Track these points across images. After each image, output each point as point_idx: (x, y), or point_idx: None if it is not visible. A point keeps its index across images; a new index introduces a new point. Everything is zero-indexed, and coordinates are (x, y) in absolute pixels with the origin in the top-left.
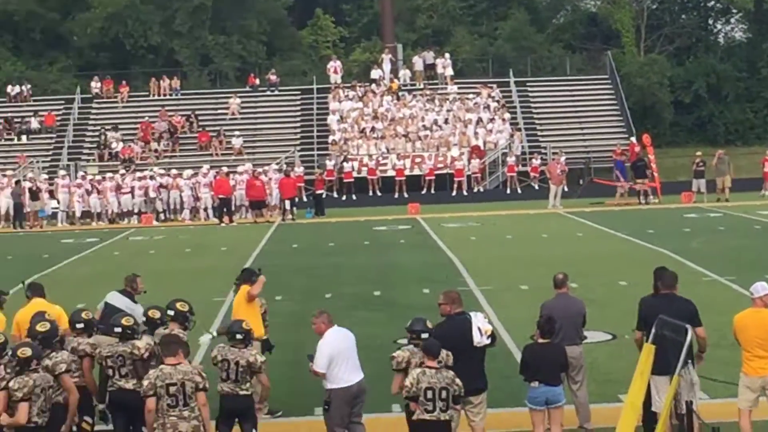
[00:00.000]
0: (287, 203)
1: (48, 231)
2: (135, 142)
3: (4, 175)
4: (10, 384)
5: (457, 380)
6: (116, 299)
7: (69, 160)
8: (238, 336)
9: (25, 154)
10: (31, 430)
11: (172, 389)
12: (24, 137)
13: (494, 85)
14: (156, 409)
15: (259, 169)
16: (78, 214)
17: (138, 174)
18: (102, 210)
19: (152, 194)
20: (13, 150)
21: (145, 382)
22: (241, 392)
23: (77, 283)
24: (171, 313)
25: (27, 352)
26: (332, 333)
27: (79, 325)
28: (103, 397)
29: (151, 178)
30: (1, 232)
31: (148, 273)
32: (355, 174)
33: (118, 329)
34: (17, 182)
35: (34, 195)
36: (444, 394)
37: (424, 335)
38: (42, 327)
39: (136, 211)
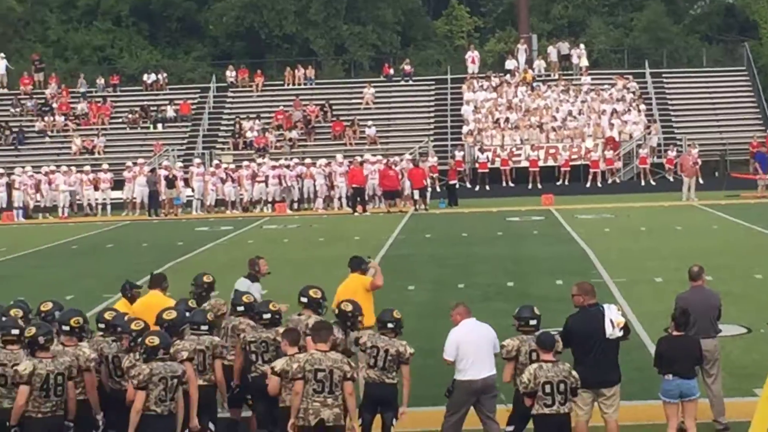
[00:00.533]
0: (416, 193)
1: (183, 219)
2: (269, 131)
3: (135, 163)
4: (131, 371)
5: (574, 372)
6: (241, 285)
7: (204, 148)
8: (389, 325)
9: (161, 142)
10: (150, 418)
11: (320, 375)
12: (160, 125)
13: (630, 76)
14: (302, 392)
15: (393, 159)
16: (212, 202)
17: (272, 163)
18: (236, 198)
19: (286, 183)
20: (148, 138)
21: (294, 365)
22: (387, 380)
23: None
24: (304, 300)
25: (155, 340)
26: (465, 324)
27: (204, 327)
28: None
29: (286, 167)
30: (137, 220)
31: (281, 261)
32: (488, 164)
33: (266, 315)
34: (152, 170)
35: (170, 183)
36: (562, 387)
37: (532, 322)
38: (168, 315)
39: (270, 199)
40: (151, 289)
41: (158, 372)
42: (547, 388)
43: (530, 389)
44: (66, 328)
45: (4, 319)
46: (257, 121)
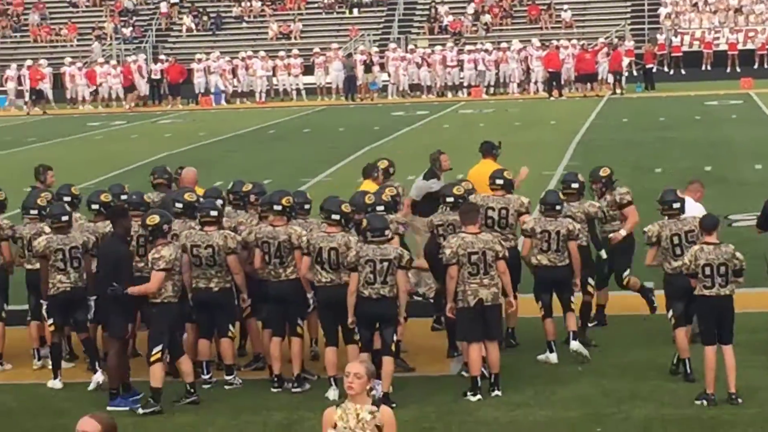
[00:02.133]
0: (610, 77)
1: (379, 104)
2: (465, 16)
3: (328, 48)
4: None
5: (738, 254)
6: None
7: (399, 33)
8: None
9: (357, 26)
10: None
11: (473, 257)
12: (356, 10)
13: None
14: (457, 276)
15: (589, 43)
16: (407, 87)
17: (468, 47)
18: (432, 83)
19: (481, 67)
20: (344, 23)
21: (447, 251)
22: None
23: (409, 156)
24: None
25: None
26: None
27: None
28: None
29: (482, 51)
30: (333, 105)
31: (475, 145)
32: (685, 48)
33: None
34: (349, 55)
35: (367, 68)
36: (723, 269)
37: (675, 205)
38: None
39: (465, 84)
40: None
41: (365, 255)
42: (707, 270)
43: (691, 270)
44: (278, 207)
45: (201, 201)
46: (451, 6)
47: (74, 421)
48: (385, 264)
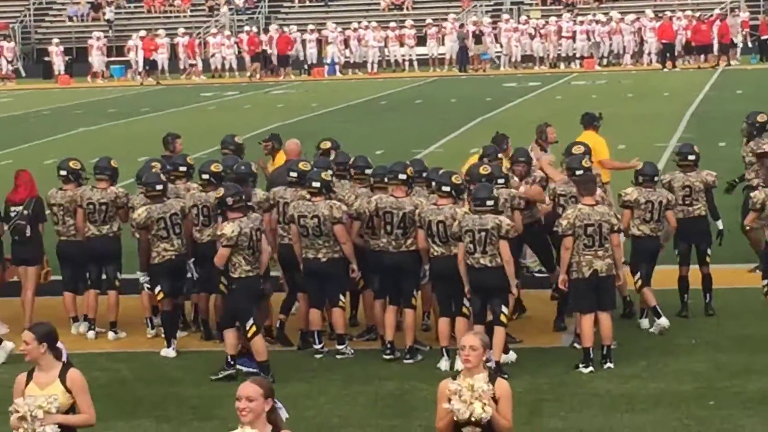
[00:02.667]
0: (725, 48)
1: (491, 75)
2: None
3: (442, 19)
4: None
5: None
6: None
7: (512, 4)
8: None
9: None
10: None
11: (589, 229)
12: None
13: None
14: (572, 248)
15: (704, 14)
16: (519, 58)
17: (580, 18)
18: (544, 54)
19: (595, 38)
20: None
21: (564, 222)
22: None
23: (520, 127)
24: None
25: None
26: None
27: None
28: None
29: (595, 22)
30: (445, 76)
31: None
32: None
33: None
34: (461, 26)
35: (478, 39)
36: None
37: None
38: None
39: (578, 55)
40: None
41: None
42: None
43: None
44: (402, 177)
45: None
46: None
47: (187, 389)
48: (483, 234)
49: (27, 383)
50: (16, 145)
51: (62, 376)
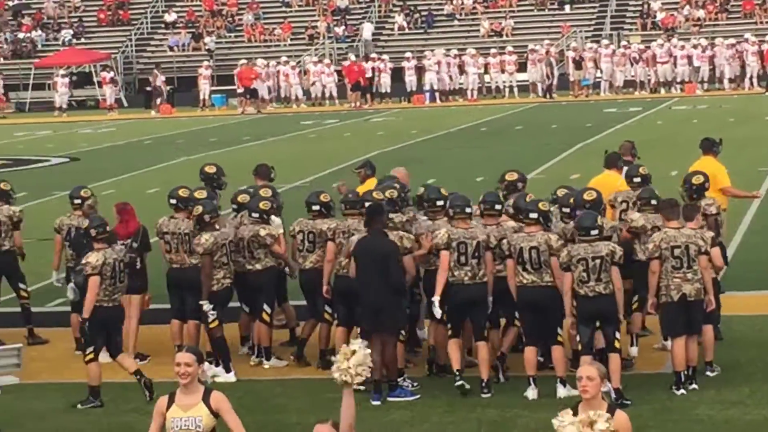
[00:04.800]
0: None
1: (591, 100)
2: (678, 11)
3: (541, 45)
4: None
5: None
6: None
7: (612, 29)
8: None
9: (568, 23)
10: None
11: (676, 251)
12: (567, 7)
13: None
14: (660, 271)
15: None
16: (620, 83)
17: (681, 43)
18: (645, 79)
19: (695, 63)
20: (556, 19)
21: (650, 245)
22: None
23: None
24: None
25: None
26: None
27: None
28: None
29: (694, 47)
30: (547, 102)
31: (691, 142)
32: None
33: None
34: (560, 52)
35: (577, 64)
36: None
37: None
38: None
39: (679, 80)
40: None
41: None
42: None
43: None
44: (468, 210)
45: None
46: (663, 2)
47: (291, 417)
48: (598, 261)
49: (169, 406)
50: (118, 174)
51: (206, 399)
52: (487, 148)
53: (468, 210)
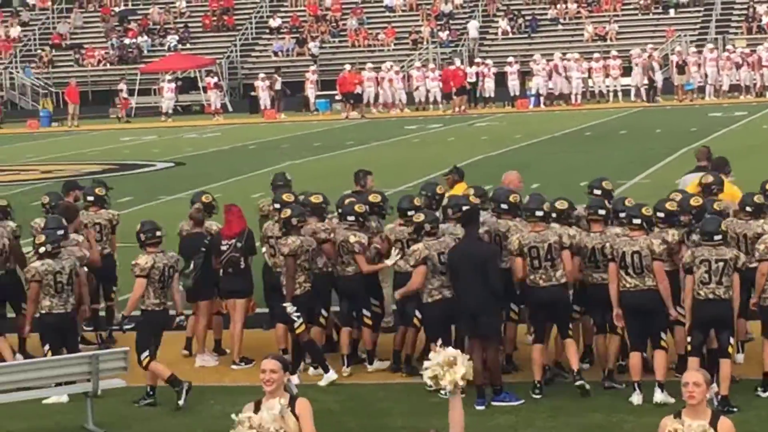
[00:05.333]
0: None
1: (696, 104)
2: None
3: (644, 50)
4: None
5: None
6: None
7: (716, 33)
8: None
9: (673, 27)
10: None
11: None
12: (672, 11)
13: None
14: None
15: None
16: (726, 87)
17: None
18: (750, 83)
19: None
20: (661, 24)
21: (761, 246)
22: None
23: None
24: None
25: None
26: None
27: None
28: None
29: None
30: (650, 106)
31: None
32: None
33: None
34: (665, 56)
35: (681, 69)
36: None
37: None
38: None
39: None
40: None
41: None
42: None
43: None
44: (539, 214)
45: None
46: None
47: (396, 420)
48: (721, 264)
49: (256, 410)
50: (223, 179)
51: (291, 405)
52: (591, 153)
53: (539, 213)
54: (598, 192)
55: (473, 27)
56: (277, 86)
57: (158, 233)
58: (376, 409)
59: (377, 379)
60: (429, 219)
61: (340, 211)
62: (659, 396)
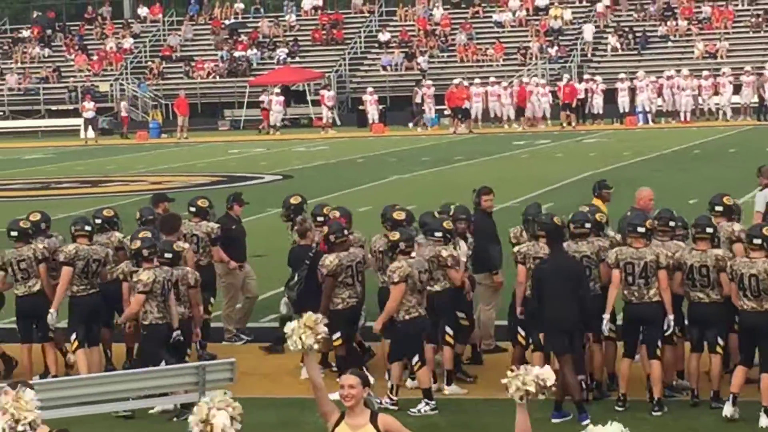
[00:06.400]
0: None
1: None
2: None
3: (759, 67)
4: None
5: None
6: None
7: None
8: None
9: None
10: None
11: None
12: None
13: None
14: None
15: None
16: None
17: None
18: None
19: None
20: None
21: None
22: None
23: None
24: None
25: None
26: None
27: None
28: None
29: None
30: (763, 124)
31: None
32: None
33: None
34: (760, 75)
35: None
36: None
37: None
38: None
39: None
40: None
41: None
42: None
43: None
44: (641, 230)
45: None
46: None
47: None
48: None
49: (338, 422)
50: (331, 192)
51: (373, 420)
52: (699, 171)
53: (640, 229)
54: (719, 209)
55: (588, 31)
56: (417, 99)
57: (158, 248)
58: (482, 424)
59: (480, 395)
60: (404, 238)
61: (425, 227)
62: (765, 420)
